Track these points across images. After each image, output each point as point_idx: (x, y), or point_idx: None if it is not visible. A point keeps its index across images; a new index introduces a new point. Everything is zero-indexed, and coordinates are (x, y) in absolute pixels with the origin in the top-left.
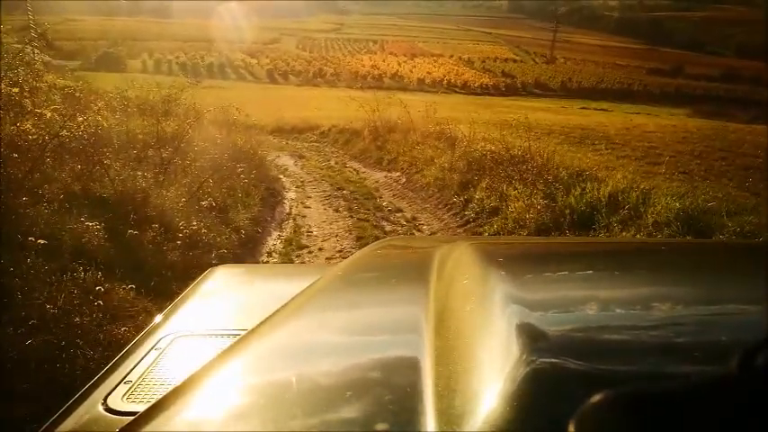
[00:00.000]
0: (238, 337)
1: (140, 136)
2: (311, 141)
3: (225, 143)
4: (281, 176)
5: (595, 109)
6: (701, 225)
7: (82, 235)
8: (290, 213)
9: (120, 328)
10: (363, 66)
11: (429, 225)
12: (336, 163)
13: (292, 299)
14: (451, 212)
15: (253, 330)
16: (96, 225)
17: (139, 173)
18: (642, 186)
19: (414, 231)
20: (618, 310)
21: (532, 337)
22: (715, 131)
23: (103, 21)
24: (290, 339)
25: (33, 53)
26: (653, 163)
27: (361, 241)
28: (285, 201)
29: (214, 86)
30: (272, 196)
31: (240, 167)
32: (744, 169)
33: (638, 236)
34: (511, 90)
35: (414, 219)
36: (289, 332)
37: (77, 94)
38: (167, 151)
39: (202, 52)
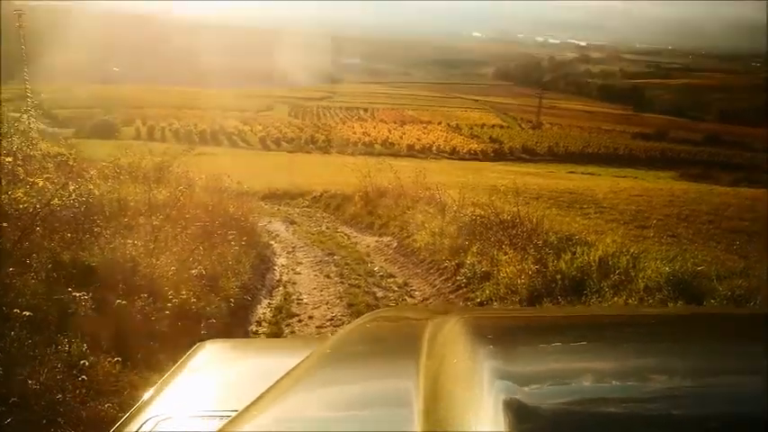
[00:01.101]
0: (227, 419)
1: (132, 203)
2: (303, 207)
3: (216, 210)
4: (272, 242)
5: (583, 173)
6: (691, 290)
7: (68, 306)
8: (280, 280)
9: (104, 404)
10: (354, 132)
11: (421, 291)
12: (328, 228)
13: (282, 378)
14: (443, 278)
15: (242, 412)
16: (84, 295)
17: (130, 241)
18: (632, 250)
19: (406, 297)
20: (608, 384)
21: (521, 415)
22: (700, 195)
23: (99, 88)
24: (280, 422)
25: (29, 122)
26: (641, 226)
27: (352, 308)
28: (276, 267)
29: (206, 153)
30: (263, 263)
31: (231, 234)
32: (730, 232)
33: (630, 301)
34: (499, 155)
35: (405, 284)
36: (279, 414)
37: (70, 162)
38: (158, 219)
39: (196, 119)
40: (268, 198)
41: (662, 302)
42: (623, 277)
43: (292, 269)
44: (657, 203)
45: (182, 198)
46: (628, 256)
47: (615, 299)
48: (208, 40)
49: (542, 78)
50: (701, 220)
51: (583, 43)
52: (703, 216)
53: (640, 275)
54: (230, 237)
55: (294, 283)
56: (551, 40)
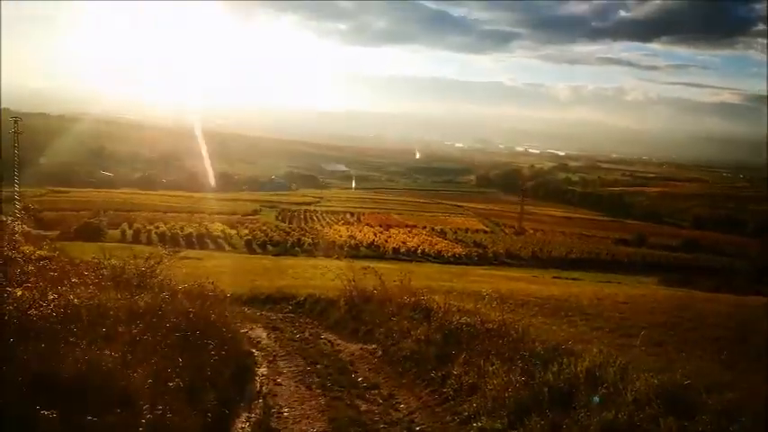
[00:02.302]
0: None
1: (112, 311)
2: (286, 312)
3: (197, 317)
4: (254, 350)
5: (567, 278)
6: (681, 403)
7: (36, 425)
8: (260, 392)
9: None
10: (341, 236)
11: (407, 404)
12: (311, 335)
13: None
14: (429, 389)
15: None
16: (51, 414)
17: (107, 352)
18: (619, 361)
19: (390, 411)
20: None
21: None
22: (683, 301)
23: (87, 192)
24: None
25: (14, 225)
26: (627, 335)
27: (334, 423)
28: (256, 378)
29: (191, 257)
30: (243, 373)
31: (211, 343)
32: (714, 340)
33: (620, 416)
34: (483, 259)
35: (391, 396)
36: None
37: (52, 267)
38: (138, 327)
39: (182, 223)
40: (251, 303)
41: (652, 418)
42: (611, 390)
43: (273, 380)
44: (641, 310)
45: (163, 305)
46: (615, 368)
47: (604, 413)
48: (199, 146)
49: (523, 185)
50: (685, 328)
51: (561, 153)
52: (686, 324)
53: (629, 388)
54: (210, 346)
55: (275, 395)
56: (531, 150)
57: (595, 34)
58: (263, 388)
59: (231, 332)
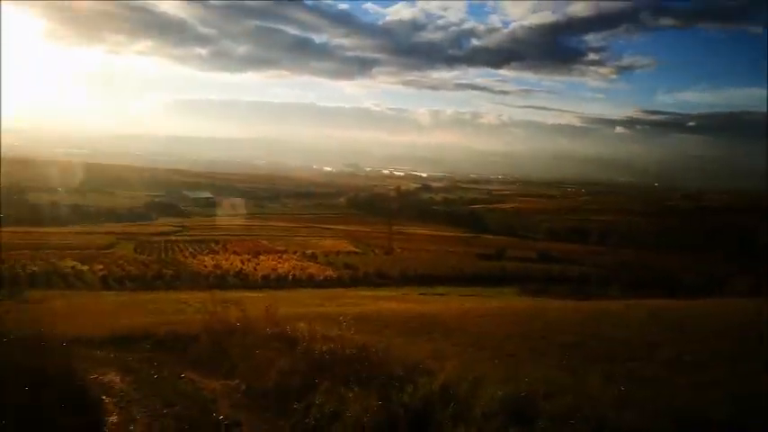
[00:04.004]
0: None
1: None
2: (144, 352)
3: (34, 369)
4: (104, 397)
5: (434, 294)
6: (522, 412)
7: None
8: None
9: None
10: (205, 266)
11: None
12: (170, 374)
13: None
14: (293, 421)
15: None
16: None
17: None
18: (472, 375)
19: None
20: None
21: None
22: (537, 311)
23: None
24: None
25: None
26: (483, 348)
27: None
28: (104, 428)
29: (35, 299)
30: (90, 425)
31: (50, 397)
32: (560, 346)
33: (469, 430)
34: (354, 281)
35: None
36: None
37: None
38: None
39: (24, 260)
40: (104, 345)
41: (497, 430)
42: (462, 406)
43: (125, 427)
44: (499, 322)
45: None
46: (467, 383)
47: (454, 430)
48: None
49: (391, 207)
50: (536, 336)
51: (424, 174)
52: (538, 332)
53: (477, 402)
54: (49, 401)
55: None
56: (396, 173)
57: (452, 60)
58: None
59: (78, 381)
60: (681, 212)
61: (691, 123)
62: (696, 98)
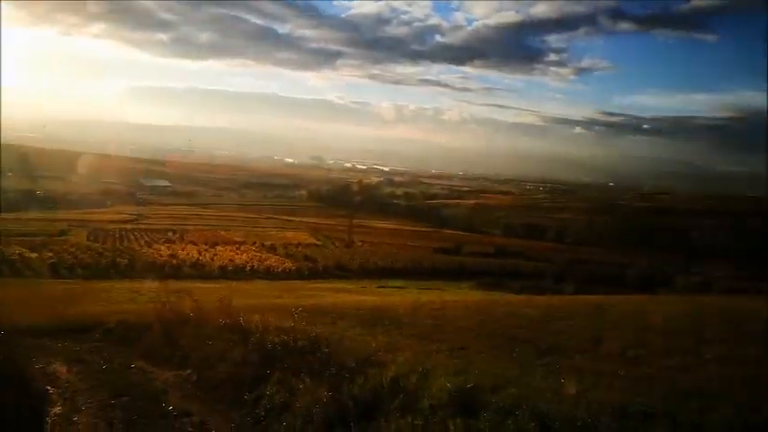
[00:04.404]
0: None
1: None
2: (93, 341)
3: None
4: (49, 388)
5: (392, 287)
6: (469, 404)
7: None
8: None
9: None
10: (161, 256)
11: (218, 428)
12: (120, 365)
13: None
14: (243, 412)
15: None
16: None
17: None
18: (422, 367)
19: None
20: None
21: None
22: (490, 304)
23: None
24: None
25: None
26: (436, 340)
27: None
28: (48, 419)
29: None
30: (32, 416)
31: None
32: (511, 339)
33: (416, 422)
34: (314, 273)
35: (202, 423)
36: None
37: None
38: None
39: None
40: (51, 335)
41: (443, 421)
42: (411, 397)
43: (68, 418)
44: (453, 316)
45: None
46: (418, 374)
47: (401, 421)
48: None
49: (352, 200)
50: (488, 330)
51: (386, 168)
52: (490, 325)
53: (426, 394)
54: None
55: None
56: (359, 166)
57: (416, 56)
58: (55, 429)
59: (20, 370)
60: (633, 211)
61: (645, 126)
62: (651, 102)
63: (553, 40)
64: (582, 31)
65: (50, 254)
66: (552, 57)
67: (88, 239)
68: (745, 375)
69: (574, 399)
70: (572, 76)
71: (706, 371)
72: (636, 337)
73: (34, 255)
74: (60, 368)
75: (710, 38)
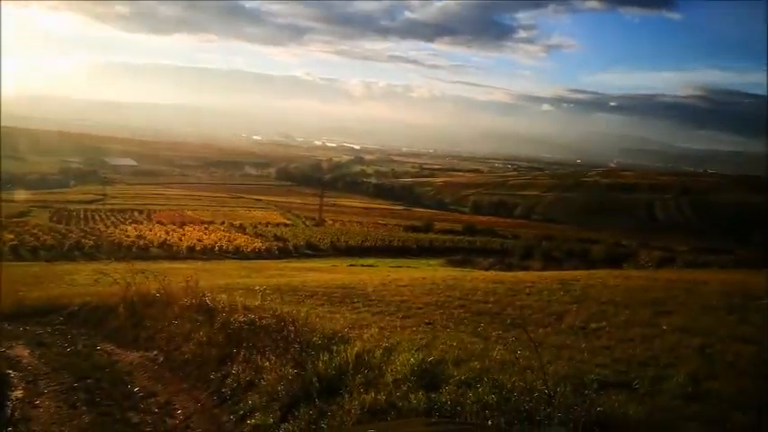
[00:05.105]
0: None
1: None
2: (56, 324)
3: None
4: (10, 372)
5: (362, 265)
6: (432, 378)
7: None
8: (10, 419)
9: None
10: (128, 236)
11: (184, 409)
12: (84, 347)
13: None
14: (209, 391)
15: None
16: None
17: None
18: (387, 343)
19: (166, 418)
20: None
21: None
22: (457, 280)
23: None
24: None
25: None
26: (404, 317)
27: None
28: (8, 403)
29: None
30: None
31: None
32: (477, 314)
33: (379, 397)
34: (284, 253)
35: (168, 403)
36: None
37: None
38: None
39: None
40: (12, 318)
41: (405, 395)
42: (376, 372)
43: (30, 402)
44: (420, 292)
45: None
46: (382, 350)
47: (364, 396)
48: None
49: (322, 178)
50: (454, 305)
51: (357, 146)
52: (456, 301)
53: (389, 369)
54: None
55: (29, 420)
56: (329, 144)
57: (385, 32)
58: (17, 413)
59: None
60: (599, 188)
61: (612, 103)
62: (617, 80)
63: (522, 17)
64: (550, 8)
65: (11, 235)
66: (522, 34)
67: (51, 220)
68: (701, 345)
69: (534, 371)
70: (541, 54)
71: (662, 341)
72: (598, 311)
73: None
74: (22, 351)
75: (675, 16)
